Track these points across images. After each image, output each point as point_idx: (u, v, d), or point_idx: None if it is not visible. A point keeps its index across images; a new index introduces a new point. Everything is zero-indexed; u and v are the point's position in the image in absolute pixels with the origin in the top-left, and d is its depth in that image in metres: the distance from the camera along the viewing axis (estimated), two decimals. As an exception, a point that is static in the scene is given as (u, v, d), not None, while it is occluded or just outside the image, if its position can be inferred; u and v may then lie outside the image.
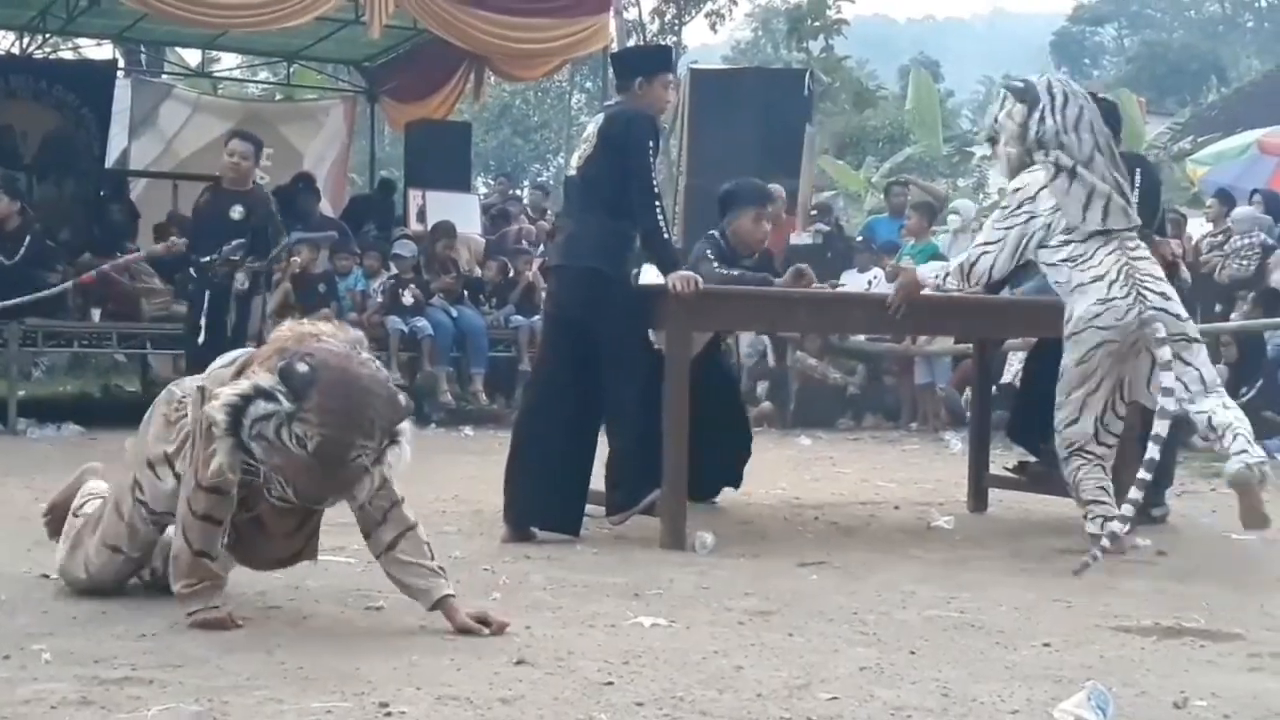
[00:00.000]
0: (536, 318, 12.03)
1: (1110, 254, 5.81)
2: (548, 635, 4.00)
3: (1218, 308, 12.39)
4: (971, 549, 5.96)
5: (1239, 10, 55.83)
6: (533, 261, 13.47)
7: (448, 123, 16.52)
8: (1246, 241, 12.60)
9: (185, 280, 11.59)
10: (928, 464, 9.81)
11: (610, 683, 3.47)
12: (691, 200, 14.77)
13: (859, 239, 14.14)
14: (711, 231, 7.18)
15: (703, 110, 14.76)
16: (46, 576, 4.70)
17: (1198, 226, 14.14)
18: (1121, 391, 5.89)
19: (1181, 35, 49.61)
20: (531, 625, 4.12)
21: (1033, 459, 7.17)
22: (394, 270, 12.77)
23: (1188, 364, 5.77)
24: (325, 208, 15.07)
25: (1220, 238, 13.16)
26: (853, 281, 12.41)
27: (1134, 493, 5.50)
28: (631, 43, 21.48)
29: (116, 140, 16.66)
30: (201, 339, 9.01)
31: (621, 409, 5.98)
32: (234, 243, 8.96)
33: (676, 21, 30.52)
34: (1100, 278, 5.78)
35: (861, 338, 12.83)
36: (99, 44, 18.24)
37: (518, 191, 18.63)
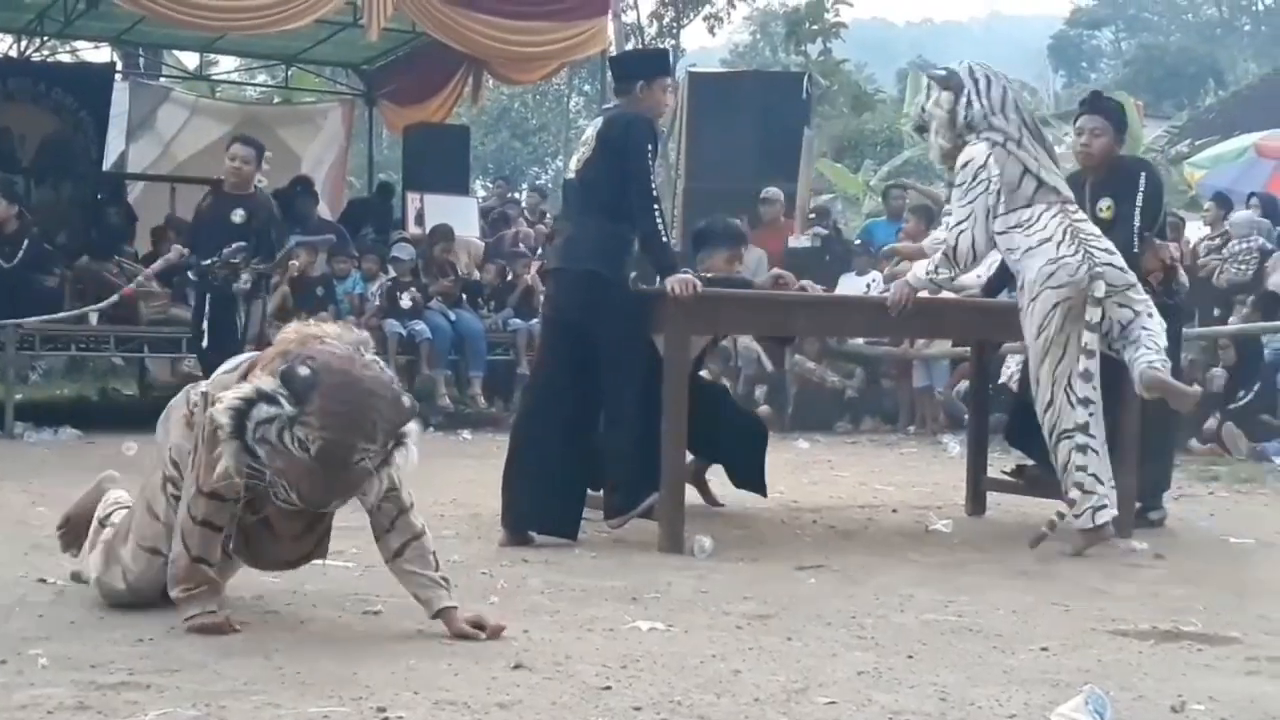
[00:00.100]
0: (535, 321, 12.02)
1: (1054, 217, 6.07)
2: (546, 639, 4.00)
3: (1216, 311, 12.40)
4: (969, 553, 5.96)
5: (1236, 14, 55.84)
6: (531, 264, 13.46)
7: (446, 126, 16.52)
8: (1245, 246, 12.60)
9: (183, 284, 11.66)
10: (926, 467, 9.81)
11: (608, 687, 3.47)
12: (690, 203, 14.78)
13: (857, 242, 14.13)
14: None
15: (701, 113, 14.77)
16: (44, 580, 4.70)
17: (1195, 230, 14.14)
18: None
19: (1179, 39, 49.63)
20: (529, 629, 4.12)
21: (1030, 462, 7.17)
22: (392, 273, 12.77)
23: (1136, 312, 6.06)
24: (323, 211, 15.08)
25: (1218, 241, 13.16)
26: (851, 285, 12.41)
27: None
28: (630, 46, 21.50)
29: (114, 143, 16.67)
30: (205, 342, 9.05)
31: (620, 412, 5.98)
32: (234, 245, 8.96)
33: (675, 24, 30.54)
34: (1048, 239, 6.01)
35: (860, 341, 12.83)
36: (97, 47, 18.25)
37: (516, 195, 18.63)
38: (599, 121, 6.21)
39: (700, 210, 14.22)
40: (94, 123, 15.16)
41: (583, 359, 5.96)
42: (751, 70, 26.18)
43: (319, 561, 4.31)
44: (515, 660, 3.69)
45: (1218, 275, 12.59)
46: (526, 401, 6.49)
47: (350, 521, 4.23)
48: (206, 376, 4.70)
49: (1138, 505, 6.70)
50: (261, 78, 19.64)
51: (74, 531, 4.69)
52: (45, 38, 16.54)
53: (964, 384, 11.36)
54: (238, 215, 9.07)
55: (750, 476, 7.15)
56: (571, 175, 6.26)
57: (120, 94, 16.55)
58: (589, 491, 6.16)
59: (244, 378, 3.87)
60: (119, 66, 17.77)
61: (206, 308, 9.12)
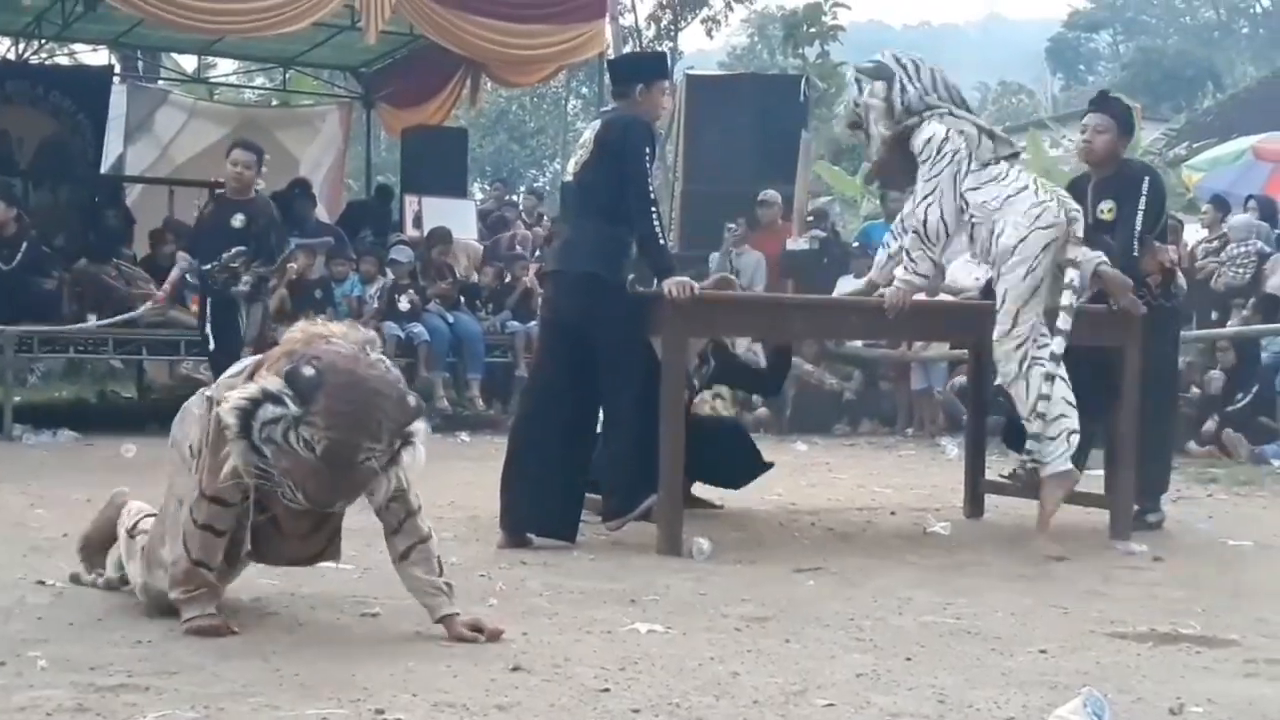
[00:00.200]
0: (533, 323, 12.03)
1: (1021, 171, 6.44)
2: (544, 642, 4.00)
3: (1214, 315, 12.41)
4: (968, 555, 5.96)
5: (1234, 17, 55.84)
6: (529, 267, 13.47)
7: (444, 128, 16.53)
8: (1243, 249, 12.61)
9: (182, 287, 11.68)
10: (924, 469, 9.81)
11: (607, 689, 3.47)
12: (688, 206, 14.80)
13: (855, 244, 14.14)
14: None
15: (699, 116, 14.77)
16: (42, 582, 4.70)
17: (1193, 232, 14.15)
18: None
19: (1177, 41, 49.63)
20: (528, 631, 4.12)
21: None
22: (390, 276, 12.77)
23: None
24: (321, 214, 15.08)
25: (1215, 244, 13.17)
26: (849, 287, 12.41)
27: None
28: (628, 49, 21.50)
29: (112, 146, 16.68)
30: (211, 346, 9.12)
31: (618, 414, 5.98)
32: (234, 250, 9.00)
33: (672, 27, 30.53)
34: (1024, 187, 6.28)
35: (858, 343, 12.83)
36: (95, 49, 18.27)
37: (514, 197, 18.63)
38: (597, 124, 6.21)
39: (698, 212, 14.29)
40: (92, 125, 15.18)
41: (581, 361, 5.97)
42: (749, 73, 26.18)
43: (331, 564, 4.31)
44: (514, 662, 3.69)
45: (1216, 278, 12.59)
46: (525, 404, 6.49)
47: (348, 524, 4.23)
48: (215, 379, 4.69)
49: (1136, 508, 6.70)
50: (259, 80, 19.62)
51: (94, 550, 4.65)
52: (43, 40, 16.56)
53: (960, 379, 11.36)
54: (238, 220, 9.13)
55: (748, 469, 7.17)
56: (569, 178, 6.27)
57: (118, 97, 16.56)
58: (587, 494, 6.16)
59: (250, 378, 3.87)
60: (117, 69, 17.77)
61: (209, 312, 9.17)
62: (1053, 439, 6.11)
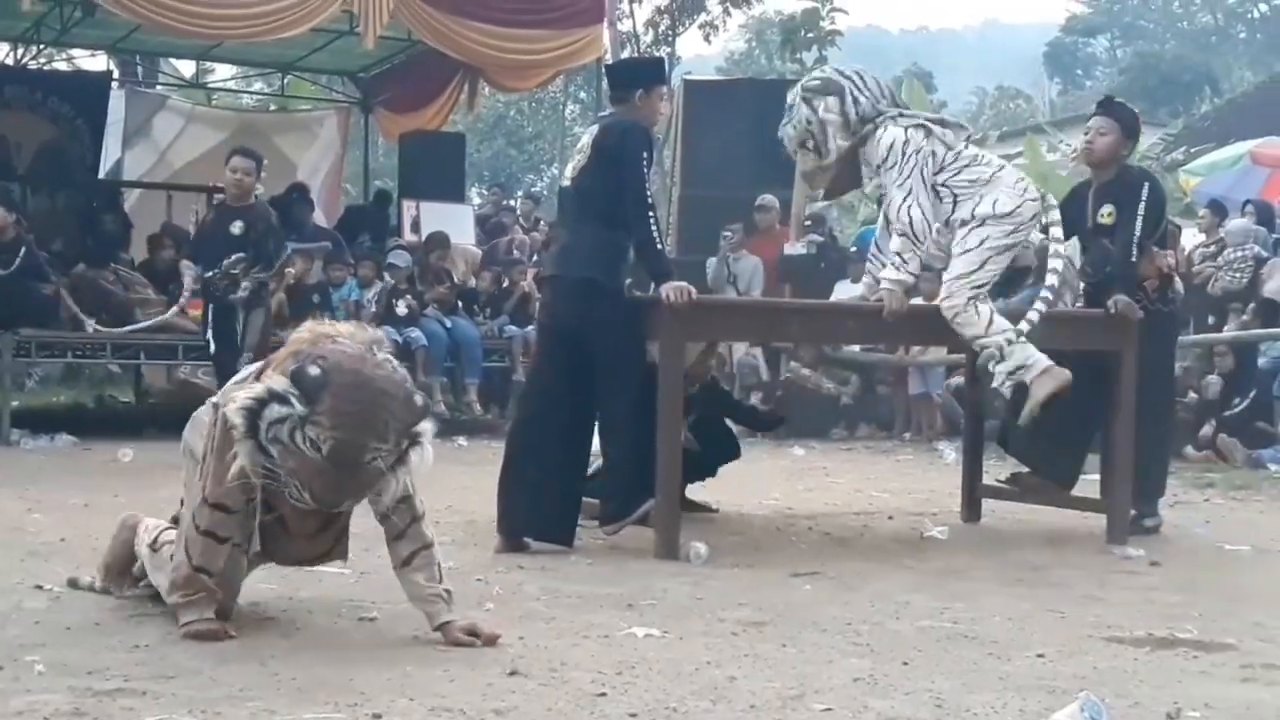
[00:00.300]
0: (530, 328, 12.04)
1: (988, 155, 6.77)
2: (541, 646, 4.01)
3: (1210, 319, 12.41)
4: (965, 559, 5.96)
5: (1231, 22, 55.91)
6: (527, 271, 13.49)
7: (442, 133, 16.54)
8: (1240, 254, 12.61)
9: (178, 291, 11.68)
10: (921, 474, 9.81)
11: (604, 694, 3.47)
12: (686, 211, 14.80)
13: (853, 249, 14.15)
14: None
15: (697, 121, 14.77)
16: (40, 587, 4.70)
17: (1190, 237, 14.16)
18: None
19: (1174, 46, 49.69)
20: (525, 636, 4.12)
21: (1026, 470, 7.18)
22: (388, 280, 12.77)
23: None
24: (319, 218, 15.09)
25: (1213, 248, 13.18)
26: (847, 292, 12.41)
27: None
28: (625, 54, 21.49)
29: (110, 151, 16.68)
30: (213, 351, 9.16)
31: (615, 419, 5.98)
32: (234, 257, 9.04)
33: (670, 32, 30.52)
34: (1002, 165, 6.57)
35: (855, 348, 12.84)
36: (93, 55, 18.29)
37: (511, 202, 18.64)
38: (594, 129, 6.21)
39: (696, 217, 14.29)
40: (90, 131, 15.18)
41: (578, 366, 5.97)
42: (747, 78, 26.24)
43: (339, 562, 4.30)
44: (511, 666, 3.69)
45: (1213, 283, 12.60)
46: (522, 408, 6.49)
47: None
48: (217, 384, 4.69)
49: (1133, 512, 6.70)
50: (258, 85, 19.65)
51: (117, 575, 4.53)
52: (42, 46, 16.56)
53: (958, 379, 11.37)
54: (237, 227, 9.17)
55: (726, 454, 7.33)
56: (567, 183, 6.26)
57: (116, 102, 16.57)
58: (584, 498, 6.17)
59: (257, 379, 3.87)
60: (115, 74, 17.78)
61: (211, 318, 9.20)
62: (1013, 343, 6.28)
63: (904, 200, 6.34)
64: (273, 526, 4.07)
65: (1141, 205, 6.64)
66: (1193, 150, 21.97)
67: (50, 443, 10.53)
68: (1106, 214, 6.78)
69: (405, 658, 3.79)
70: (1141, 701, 3.53)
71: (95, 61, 18.57)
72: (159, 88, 19.27)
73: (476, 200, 21.02)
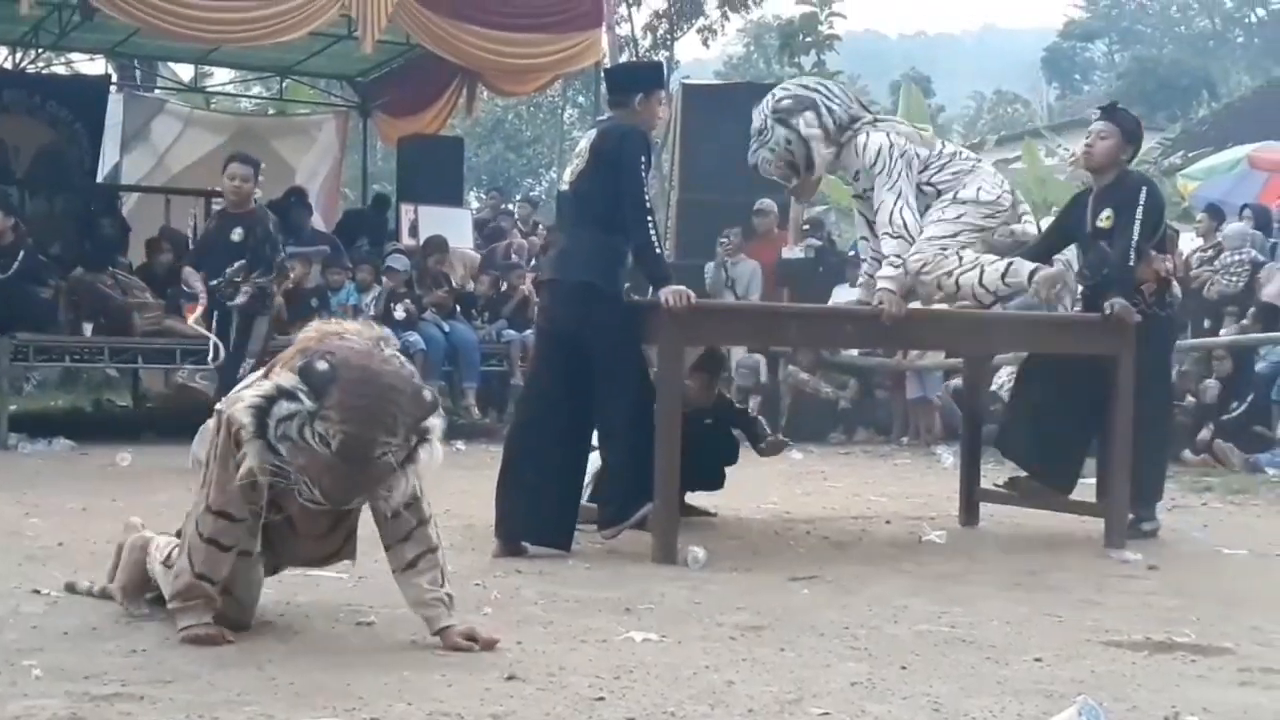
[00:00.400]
0: (528, 332, 12.04)
1: (965, 150, 7.04)
2: (539, 650, 4.00)
3: (1206, 323, 12.41)
4: (963, 563, 5.96)
5: (1229, 26, 55.94)
6: (526, 275, 13.49)
7: (440, 137, 16.53)
8: (1237, 258, 12.62)
9: (176, 295, 11.68)
10: (919, 478, 9.82)
11: (601, 698, 3.47)
12: (684, 215, 14.80)
13: (851, 254, 14.14)
14: None
15: (695, 125, 14.77)
16: (37, 591, 4.69)
17: (1187, 241, 14.17)
18: None
19: (1172, 51, 49.67)
20: (523, 640, 4.12)
21: (1024, 474, 7.18)
22: (386, 284, 12.77)
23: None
24: (317, 222, 15.09)
25: (1210, 252, 13.19)
26: (844, 296, 12.42)
27: None
28: (624, 58, 21.51)
29: (108, 155, 16.67)
30: (216, 357, 9.17)
31: (613, 423, 5.99)
32: (236, 265, 9.09)
33: (669, 36, 30.53)
34: (980, 160, 6.84)
35: (853, 352, 12.84)
36: (92, 59, 18.27)
37: (510, 206, 18.63)
38: (592, 133, 6.21)
39: (694, 221, 14.29)
40: (88, 134, 15.16)
41: (577, 370, 5.97)
42: (745, 82, 26.17)
43: (349, 562, 4.30)
44: (509, 671, 3.69)
45: (1209, 287, 12.61)
46: (520, 412, 6.49)
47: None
48: (220, 389, 4.68)
49: (1131, 516, 6.71)
50: (256, 89, 19.68)
51: (133, 593, 4.41)
52: (40, 50, 16.56)
53: (957, 381, 11.38)
54: (236, 234, 9.21)
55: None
56: (565, 187, 6.26)
57: (114, 105, 16.55)
58: (583, 502, 6.17)
59: (265, 379, 3.86)
60: (114, 78, 17.77)
61: (215, 326, 9.21)
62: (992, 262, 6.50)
63: (895, 203, 6.40)
64: (281, 528, 4.06)
65: (1139, 210, 6.65)
66: (1190, 154, 21.98)
67: (48, 447, 10.53)
68: (1105, 218, 6.80)
69: (403, 662, 3.79)
70: (1139, 705, 3.53)
71: (94, 65, 18.55)
72: (157, 91, 19.24)
73: (475, 204, 21.02)
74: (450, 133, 17.81)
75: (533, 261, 14.56)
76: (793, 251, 13.91)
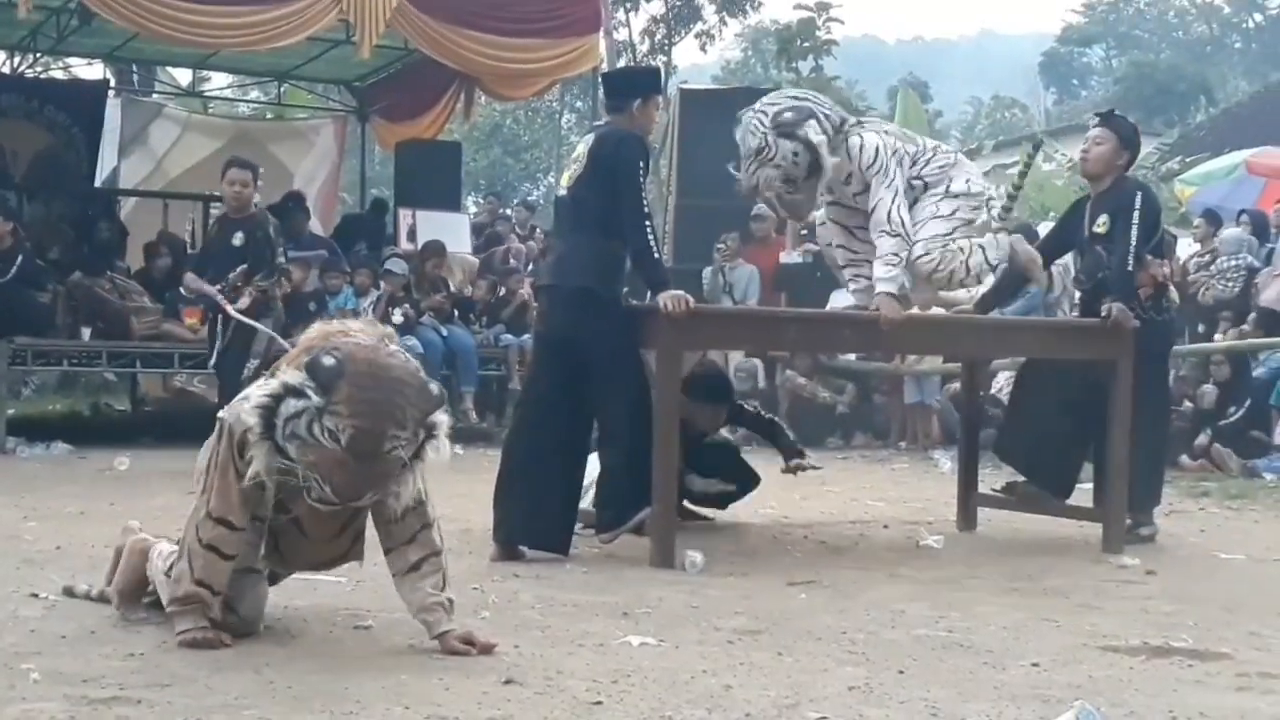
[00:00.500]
0: (526, 336, 12.05)
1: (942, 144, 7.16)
2: (536, 654, 4.01)
3: (1200, 328, 12.41)
4: (960, 568, 5.96)
5: (1227, 31, 56.04)
6: (525, 280, 13.49)
7: (438, 142, 16.53)
8: (1233, 263, 12.63)
9: (174, 299, 11.69)
10: (917, 483, 9.82)
11: (599, 702, 3.47)
12: (682, 219, 14.80)
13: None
14: None
15: (693, 130, 14.76)
16: (35, 595, 4.70)
17: (1185, 246, 14.17)
18: None
19: (1169, 56, 49.75)
20: (520, 644, 4.12)
21: (1022, 479, 7.19)
22: (384, 288, 12.76)
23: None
24: (315, 226, 15.07)
25: (1207, 258, 13.19)
26: (842, 301, 12.42)
27: None
28: (622, 63, 21.54)
29: (106, 159, 16.67)
30: (214, 362, 9.20)
31: (611, 428, 5.99)
32: (238, 269, 9.10)
33: (666, 42, 30.59)
34: (959, 152, 7.00)
35: (851, 356, 12.84)
36: (90, 63, 18.26)
37: (507, 211, 18.63)
38: (590, 138, 6.22)
39: (692, 226, 14.29)
40: (86, 139, 15.17)
41: (575, 375, 5.97)
42: (743, 87, 26.17)
43: (355, 564, 4.29)
44: (506, 675, 3.69)
45: (1204, 292, 12.61)
46: (518, 417, 6.49)
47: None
48: (221, 397, 4.66)
49: (1128, 521, 6.71)
50: (254, 94, 19.65)
51: (129, 598, 4.42)
52: (38, 54, 16.55)
53: (956, 385, 11.38)
54: (237, 238, 9.24)
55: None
56: (563, 192, 6.26)
57: (112, 110, 16.55)
58: (580, 506, 6.17)
59: (271, 377, 3.86)
60: (112, 83, 17.78)
61: (218, 331, 9.22)
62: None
63: (893, 201, 6.42)
64: (290, 531, 4.05)
65: (1136, 215, 6.66)
66: (1188, 160, 21.99)
67: (46, 451, 10.53)
68: (1101, 224, 6.81)
69: (401, 666, 3.79)
70: (1137, 710, 3.53)
71: (92, 70, 18.55)
72: (155, 96, 19.23)
73: (473, 209, 21.03)
74: (448, 137, 17.81)
75: (530, 266, 14.56)
76: (790, 256, 13.91)
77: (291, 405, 3.65)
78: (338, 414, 3.61)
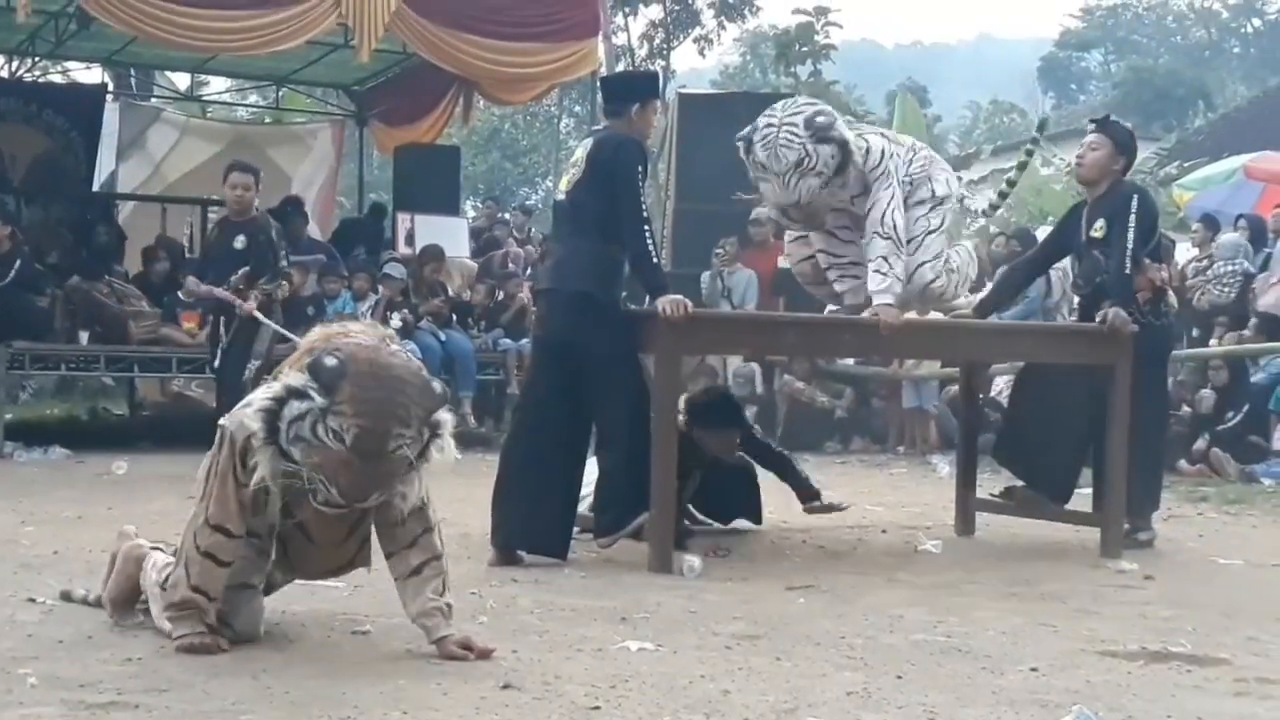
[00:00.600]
0: (524, 340, 12.05)
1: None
2: (534, 659, 4.00)
3: (1194, 332, 12.41)
4: (959, 573, 5.96)
5: (1225, 36, 56.09)
6: (523, 284, 13.49)
7: (436, 146, 16.54)
8: (1229, 269, 12.63)
9: (173, 304, 11.68)
10: (915, 487, 9.81)
11: (597, 707, 3.47)
12: (680, 224, 14.79)
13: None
14: None
15: (691, 134, 14.76)
16: (32, 600, 4.69)
17: (1183, 251, 14.17)
18: None
19: (1168, 61, 49.81)
20: (518, 649, 4.11)
21: (1020, 483, 7.19)
22: (383, 293, 12.76)
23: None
24: (314, 231, 15.07)
25: (1205, 263, 13.19)
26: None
27: None
28: (620, 67, 21.56)
29: (105, 163, 16.68)
30: (217, 366, 9.20)
31: (610, 433, 5.99)
32: (240, 272, 9.11)
33: (665, 46, 30.62)
34: (926, 147, 7.01)
35: (849, 361, 12.84)
36: (88, 67, 18.27)
37: (506, 215, 18.64)
38: (588, 143, 6.22)
39: (691, 231, 14.29)
40: (84, 143, 15.19)
41: (573, 379, 5.97)
42: (741, 91, 26.25)
43: (363, 570, 4.28)
44: (504, 680, 3.69)
45: (1199, 297, 12.61)
46: (517, 421, 6.49)
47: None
48: (221, 399, 4.65)
49: (1127, 526, 6.71)
50: (252, 98, 19.61)
51: (122, 606, 4.39)
52: (37, 58, 16.56)
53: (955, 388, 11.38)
54: (239, 241, 9.25)
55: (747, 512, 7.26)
56: (561, 196, 6.26)
57: (111, 114, 16.58)
58: (582, 511, 6.17)
59: (273, 380, 3.86)
60: (110, 87, 17.78)
61: (221, 334, 9.22)
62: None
63: (889, 203, 6.48)
64: (297, 537, 4.05)
65: (1132, 218, 6.65)
66: (1186, 165, 21.99)
67: (44, 455, 10.53)
68: (1098, 228, 6.81)
69: (398, 671, 3.79)
70: (1135, 716, 3.53)
71: (90, 74, 18.57)
72: (154, 100, 19.26)
73: (471, 213, 21.04)
74: (447, 142, 17.83)
75: (528, 270, 14.55)
76: (789, 261, 13.89)
77: (295, 408, 3.65)
78: (342, 414, 3.61)
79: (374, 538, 4.15)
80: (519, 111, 34.09)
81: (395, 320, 12.34)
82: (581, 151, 6.18)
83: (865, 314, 6.50)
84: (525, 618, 4.71)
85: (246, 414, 3.73)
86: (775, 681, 3.81)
